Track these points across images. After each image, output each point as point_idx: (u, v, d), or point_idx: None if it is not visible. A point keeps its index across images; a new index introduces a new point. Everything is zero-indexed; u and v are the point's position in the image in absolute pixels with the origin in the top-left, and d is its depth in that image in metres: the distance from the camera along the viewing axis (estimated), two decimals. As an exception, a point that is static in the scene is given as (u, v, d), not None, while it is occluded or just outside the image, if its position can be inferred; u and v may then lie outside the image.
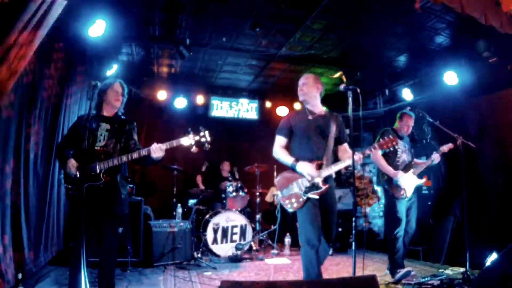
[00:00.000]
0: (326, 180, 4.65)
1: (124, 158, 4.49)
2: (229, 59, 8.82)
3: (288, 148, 4.97)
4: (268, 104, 11.19)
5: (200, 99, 10.43)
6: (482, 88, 7.23)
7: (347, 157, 4.66)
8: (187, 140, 4.52)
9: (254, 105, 11.06)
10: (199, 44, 7.81)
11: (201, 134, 4.57)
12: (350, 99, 4.58)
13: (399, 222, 6.07)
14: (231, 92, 10.88)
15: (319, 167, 4.66)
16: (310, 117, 4.90)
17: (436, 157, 6.32)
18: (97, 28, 5.96)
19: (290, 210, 4.71)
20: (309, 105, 5.01)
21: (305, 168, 4.61)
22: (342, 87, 4.79)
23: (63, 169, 4.55)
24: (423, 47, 7.73)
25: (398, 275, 5.86)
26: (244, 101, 10.94)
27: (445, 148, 6.38)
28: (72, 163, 4.45)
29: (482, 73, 7.10)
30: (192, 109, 10.45)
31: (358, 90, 4.53)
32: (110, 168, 4.50)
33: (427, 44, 7.60)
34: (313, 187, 4.62)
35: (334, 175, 4.88)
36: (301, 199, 4.64)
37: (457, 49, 7.45)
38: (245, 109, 10.91)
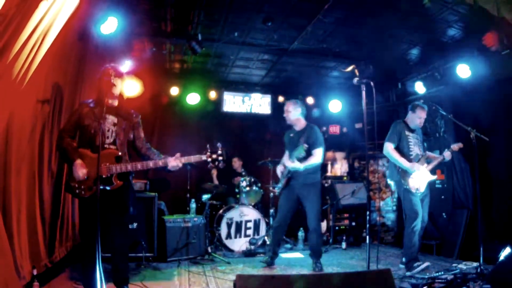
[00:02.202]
0: (294, 175, 6.51)
1: (139, 166, 4.51)
2: (241, 54, 8.81)
3: None
4: (281, 98, 11.13)
5: (212, 94, 10.42)
6: (495, 80, 7.14)
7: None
8: (204, 158, 4.69)
9: (267, 99, 11.01)
10: (211, 39, 7.82)
11: (219, 152, 4.73)
12: (363, 93, 4.59)
13: (416, 216, 6.08)
14: (243, 87, 10.84)
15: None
16: (291, 135, 6.86)
17: (447, 155, 6.33)
18: (109, 25, 5.99)
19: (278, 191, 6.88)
20: (293, 125, 6.92)
21: (277, 169, 6.89)
22: (355, 80, 4.81)
23: (68, 166, 4.48)
24: (435, 40, 7.66)
25: (418, 268, 5.87)
26: (256, 95, 10.89)
27: (456, 146, 6.38)
28: (82, 171, 4.34)
29: (495, 65, 7.01)
30: (205, 104, 10.42)
31: (372, 83, 4.53)
32: (123, 172, 4.51)
33: (440, 36, 7.52)
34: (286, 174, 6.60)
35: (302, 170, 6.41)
36: (279, 184, 6.78)
37: (470, 41, 7.37)
38: (258, 104, 10.86)
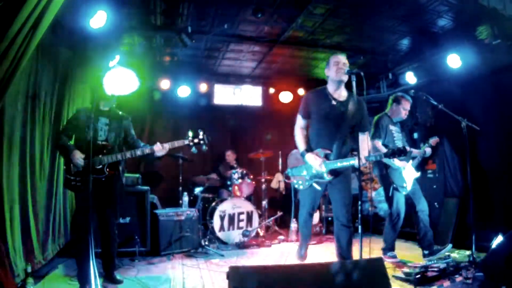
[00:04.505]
0: (332, 171, 4.85)
1: (128, 155, 4.88)
2: (232, 46, 8.76)
3: (307, 129, 5.15)
4: (271, 90, 11.14)
5: (203, 87, 10.41)
6: (486, 70, 7.18)
7: (361, 153, 4.55)
8: (187, 142, 5.14)
9: (258, 91, 11.04)
10: (201, 32, 7.77)
11: (200, 137, 5.17)
12: (354, 83, 4.58)
13: (398, 213, 6.27)
14: (234, 79, 10.84)
15: (326, 157, 4.87)
16: (333, 102, 4.93)
17: (428, 151, 6.46)
18: (99, 20, 5.94)
19: (298, 188, 5.18)
20: (336, 88, 4.99)
21: (311, 161, 4.83)
22: (345, 71, 4.79)
23: (67, 159, 4.78)
24: (426, 30, 7.66)
25: (390, 259, 6.21)
26: (247, 87, 10.91)
27: (433, 142, 6.52)
28: (80, 154, 4.68)
29: (486, 55, 7.03)
30: (196, 97, 10.40)
31: (362, 74, 4.53)
32: (113, 162, 4.87)
33: (430, 27, 7.52)
34: (318, 176, 4.94)
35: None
36: (306, 183, 5.07)
37: (461, 31, 7.38)
38: (249, 95, 10.89)
